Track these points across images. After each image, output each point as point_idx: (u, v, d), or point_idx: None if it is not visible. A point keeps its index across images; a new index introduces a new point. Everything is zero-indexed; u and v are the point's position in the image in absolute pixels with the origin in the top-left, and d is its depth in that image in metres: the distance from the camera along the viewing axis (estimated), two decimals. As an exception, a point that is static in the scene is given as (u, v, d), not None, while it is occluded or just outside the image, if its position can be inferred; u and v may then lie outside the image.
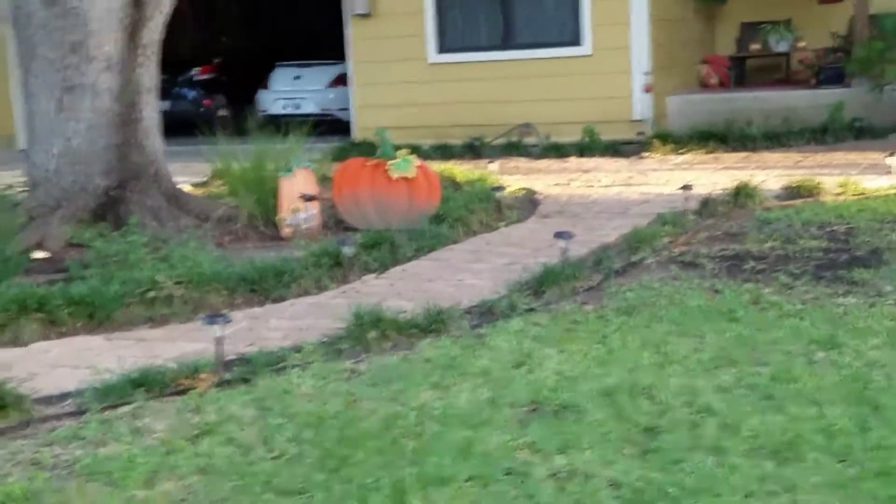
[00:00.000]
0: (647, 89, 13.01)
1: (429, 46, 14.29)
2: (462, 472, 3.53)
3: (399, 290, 6.33)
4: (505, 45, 13.96)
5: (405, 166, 8.30)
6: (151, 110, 8.48)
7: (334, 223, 8.38)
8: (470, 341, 5.14)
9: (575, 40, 13.48)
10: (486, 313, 5.68)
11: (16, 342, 5.56)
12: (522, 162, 12.07)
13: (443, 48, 14.25)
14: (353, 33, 14.66)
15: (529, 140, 13.28)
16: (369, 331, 5.26)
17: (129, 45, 8.23)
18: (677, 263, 6.53)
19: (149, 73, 8.43)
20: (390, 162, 8.30)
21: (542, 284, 6.06)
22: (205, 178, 10.32)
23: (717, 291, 5.76)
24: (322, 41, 17.10)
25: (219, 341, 4.91)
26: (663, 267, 6.49)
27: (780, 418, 3.80)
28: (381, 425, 4.03)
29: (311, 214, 8.14)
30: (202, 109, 17.48)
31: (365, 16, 14.43)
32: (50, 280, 6.62)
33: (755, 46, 14.48)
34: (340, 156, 11.97)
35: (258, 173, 8.26)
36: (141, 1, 8.21)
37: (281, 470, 3.69)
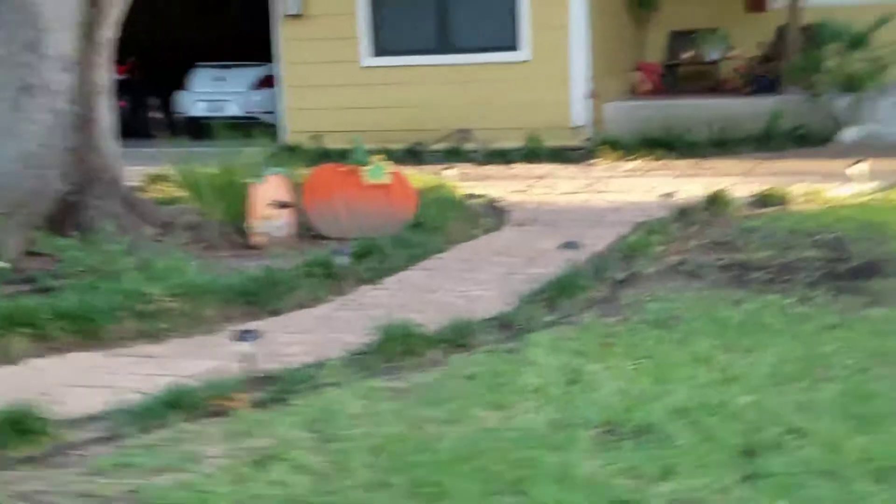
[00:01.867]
0: (591, 95, 12.99)
1: (362, 49, 13.99)
2: (575, 501, 3.32)
3: (402, 301, 6.07)
4: (441, 48, 13.74)
5: (378, 173, 8.05)
6: (107, 111, 8.03)
7: (304, 231, 8.06)
8: (505, 356, 4.94)
9: (513, 45, 13.37)
10: (505, 326, 5.49)
11: (4, 359, 5.12)
12: (470, 168, 11.88)
13: (377, 51, 13.97)
14: (284, 34, 14.27)
15: (469, 146, 13.13)
16: (397, 346, 5.01)
17: (85, 43, 7.77)
18: (680, 273, 6.45)
19: (104, 73, 7.99)
20: (363, 168, 8.04)
21: (555, 296, 5.90)
22: (140, 183, 9.83)
23: (737, 302, 5.67)
24: (245, 42, 16.62)
25: (249, 358, 4.60)
26: (667, 276, 6.40)
27: (883, 437, 3.70)
28: (461, 449, 3.79)
29: (284, 222, 7.80)
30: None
31: (296, 16, 14.05)
32: (17, 291, 6.16)
33: (688, 54, 14.63)
34: (273, 161, 11.58)
35: (227, 178, 7.87)
36: (97, -2, 7.76)
37: (376, 500, 3.42)
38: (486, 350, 5.04)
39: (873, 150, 11.19)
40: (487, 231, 8.14)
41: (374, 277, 6.58)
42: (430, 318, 5.45)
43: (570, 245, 6.50)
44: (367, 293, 6.31)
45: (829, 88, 12.26)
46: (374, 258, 6.82)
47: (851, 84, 11.99)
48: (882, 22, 12.01)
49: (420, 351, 5.04)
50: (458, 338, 5.16)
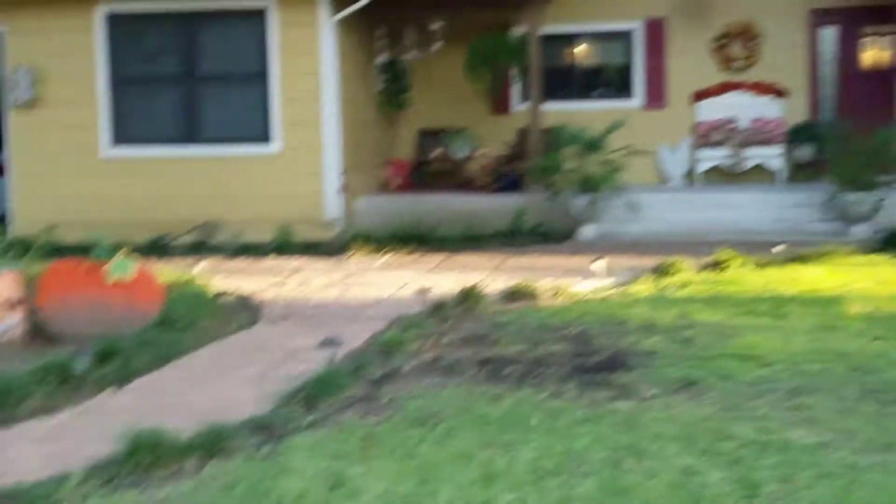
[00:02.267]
0: (343, 189, 13.05)
1: (102, 138, 13.51)
2: None
3: (151, 406, 5.73)
4: (189, 139, 13.47)
5: (123, 269, 7.65)
6: None
7: (39, 331, 7.51)
8: (264, 462, 4.73)
9: (265, 137, 13.28)
10: (262, 429, 5.26)
11: None
12: (219, 262, 11.59)
13: (118, 140, 13.52)
14: (15, 122, 13.56)
15: (217, 239, 12.84)
16: (147, 455, 4.69)
17: None
18: (438, 369, 6.47)
19: None
20: (107, 265, 7.62)
21: (314, 395, 5.74)
22: None
23: (495, 398, 5.73)
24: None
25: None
26: (425, 372, 6.40)
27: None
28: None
29: (15, 322, 7.25)
30: None
31: (29, 103, 13.40)
32: None
33: (437, 152, 15.05)
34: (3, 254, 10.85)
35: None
36: None
37: None
38: (244, 456, 4.81)
39: (609, 247, 11.85)
40: (240, 328, 7.90)
41: (118, 381, 6.19)
42: (182, 424, 5.15)
43: (327, 342, 6.40)
44: (111, 398, 5.92)
45: (567, 188, 12.89)
46: (118, 360, 6.43)
47: (588, 185, 12.66)
48: (614, 127, 12.82)
49: (172, 460, 4.73)
50: (213, 444, 4.89)
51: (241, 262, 11.59)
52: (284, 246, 12.18)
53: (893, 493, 4.19)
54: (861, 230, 12.16)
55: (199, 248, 12.45)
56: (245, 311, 8.58)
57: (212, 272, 10.49)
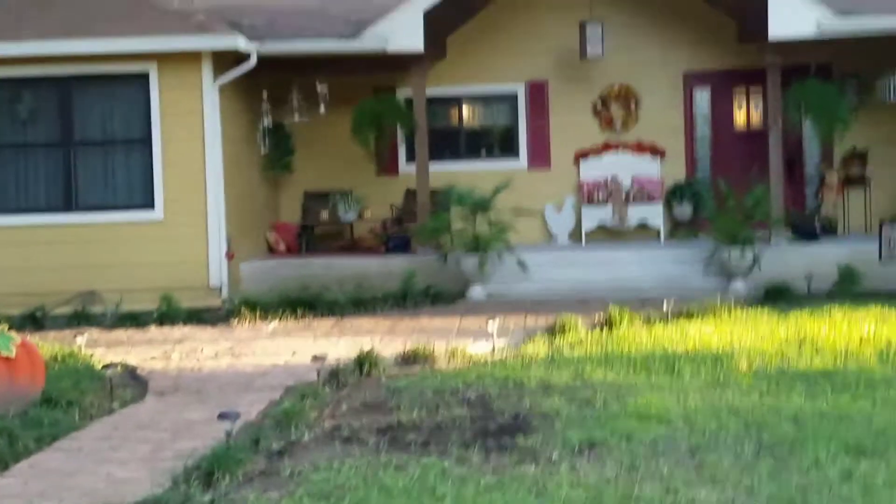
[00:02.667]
0: (229, 256, 12.81)
1: (-27, 206, 12.98)
2: None
3: (39, 490, 5.45)
4: (67, 207, 13.06)
5: (4, 344, 7.31)
6: None
7: None
8: (163, 547, 4.52)
9: (147, 204, 12.97)
10: (160, 511, 5.06)
11: None
12: (100, 333, 11.20)
13: (-8, 209, 13.02)
14: None
15: (97, 309, 12.42)
16: (37, 545, 4.44)
17: None
18: (338, 439, 6.35)
19: None
20: (-15, 339, 7.27)
21: (210, 472, 5.54)
22: None
23: (398, 468, 5.63)
24: None
25: None
26: (325, 443, 6.27)
27: None
28: None
29: None
30: None
31: None
32: None
33: (324, 214, 14.94)
34: None
35: None
36: None
37: None
38: (141, 541, 4.59)
39: (500, 307, 11.89)
40: (127, 403, 7.62)
41: (1, 464, 5.87)
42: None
43: (220, 415, 6.19)
44: (-6, 483, 5.60)
45: (456, 249, 12.94)
46: (1, 441, 6.10)
47: (477, 245, 12.73)
48: (501, 188, 12.96)
49: (64, 548, 4.49)
50: (107, 529, 4.67)
51: (123, 333, 11.23)
52: (169, 315, 11.84)
53: (801, 550, 4.25)
54: (741, 285, 12.52)
55: (79, 320, 12.01)
56: (132, 385, 8.30)
57: (93, 345, 10.11)
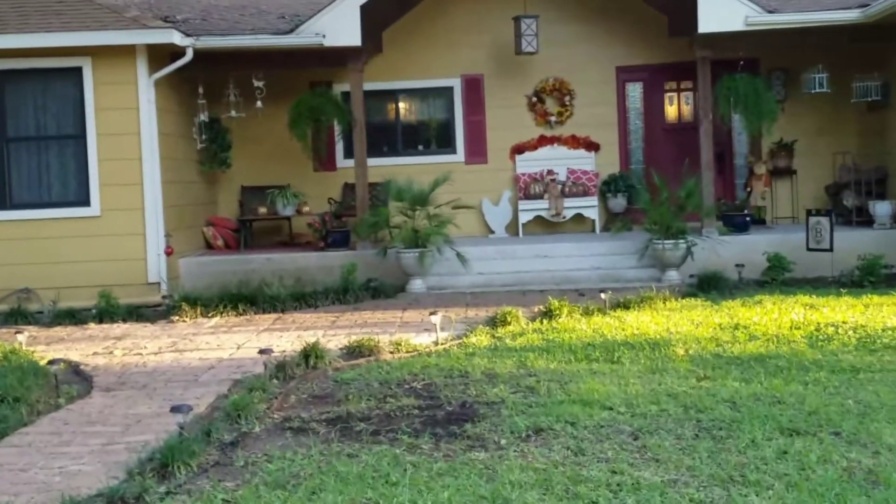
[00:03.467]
0: (168, 252, 12.76)
1: None
2: None
3: (-9, 485, 5.44)
4: (2, 205, 12.93)
5: (-54, 340, 7.26)
6: None
7: None
8: (123, 537, 4.58)
9: (83, 201, 12.89)
10: (117, 502, 5.09)
11: None
12: (39, 331, 11.11)
13: (-78, 208, 12.81)
14: None
15: (34, 306, 12.31)
16: (-4, 538, 4.47)
17: None
18: (288, 430, 6.41)
19: None
20: (-73, 336, 7.21)
21: (164, 464, 5.59)
22: None
23: (351, 456, 5.73)
24: None
25: None
26: (276, 434, 6.33)
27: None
28: None
29: None
30: None
31: None
32: None
33: (262, 209, 14.93)
34: None
35: None
36: None
37: None
38: (100, 532, 4.64)
39: (440, 300, 12.06)
40: (74, 399, 7.59)
41: (-50, 460, 5.86)
42: (30, 502, 4.94)
43: (173, 408, 6.23)
44: (-56, 480, 5.58)
45: (396, 243, 13.04)
46: (-51, 438, 6.08)
47: (416, 239, 12.85)
48: (439, 182, 13.09)
49: (22, 541, 4.52)
50: (65, 521, 4.70)
51: (63, 330, 11.14)
52: (108, 311, 11.77)
53: (742, 523, 4.45)
54: (675, 275, 12.82)
55: (16, 318, 11.90)
56: (78, 381, 8.26)
57: (34, 342, 10.04)
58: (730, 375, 7.45)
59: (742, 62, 13.91)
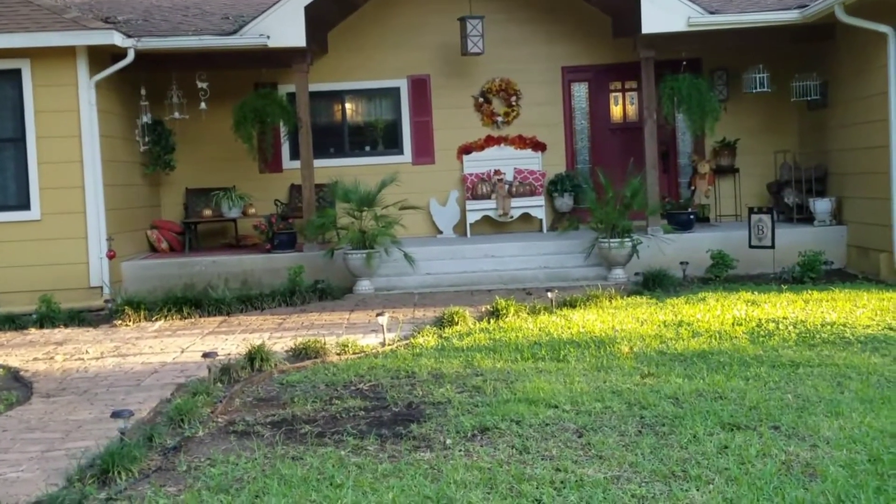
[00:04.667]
0: (110, 255, 12.60)
1: None
2: None
3: (-74, 494, 5.33)
4: (-67, 208, 12.68)
5: None
6: None
7: None
8: (61, 545, 4.51)
9: (23, 204, 12.68)
10: (55, 510, 5.02)
11: None
12: (-22, 336, 10.93)
13: None
14: None
15: (-28, 312, 12.08)
16: (-70, 549, 4.37)
17: None
18: (232, 434, 6.36)
19: None
20: None
21: (105, 470, 5.52)
22: None
23: (296, 458, 5.70)
24: None
25: None
26: (220, 438, 6.28)
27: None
28: None
29: None
30: None
31: None
32: None
33: (207, 212, 14.79)
34: None
35: None
36: None
37: None
38: (39, 539, 4.57)
39: (387, 301, 12.04)
40: (13, 405, 7.47)
41: None
42: (-38, 511, 4.86)
43: (113, 414, 6.15)
44: None
45: (343, 244, 13.00)
46: None
47: (363, 240, 12.82)
48: (386, 183, 13.07)
49: (-42, 551, 4.44)
50: (2, 530, 4.62)
51: (3, 335, 10.95)
52: (49, 316, 11.57)
53: (683, 518, 4.49)
54: (621, 273, 12.92)
55: (-50, 324, 11.68)
56: (15, 388, 8.12)
57: (-28, 348, 9.88)
58: (673, 372, 7.52)
59: (685, 62, 14.06)
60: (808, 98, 14.36)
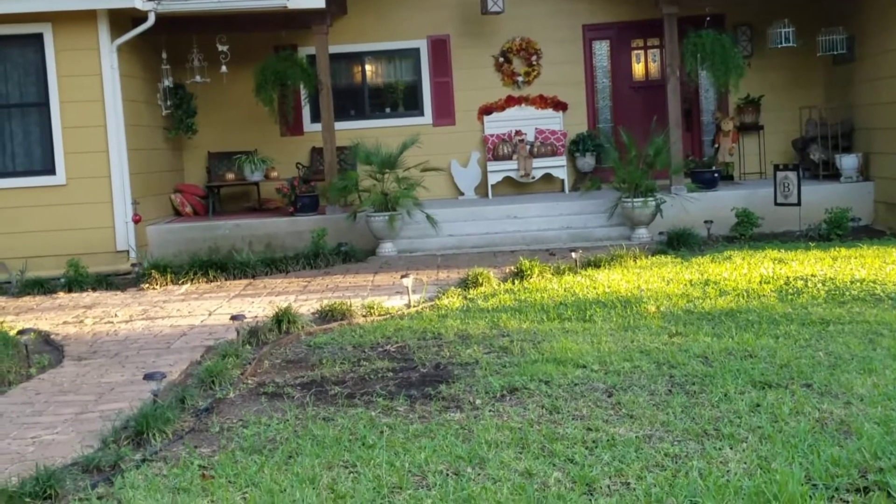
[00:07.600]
0: (136, 219, 12.65)
1: None
2: None
3: (-36, 457, 5.40)
4: (-38, 174, 12.74)
5: (-88, 313, 7.17)
6: None
7: None
8: (100, 503, 4.56)
9: (48, 169, 12.73)
10: (93, 470, 5.08)
11: None
12: (7, 301, 11.02)
13: None
14: None
15: (1, 276, 12.17)
16: (-29, 510, 4.44)
17: None
18: (263, 395, 6.41)
19: None
20: None
21: (139, 431, 5.57)
22: None
23: (327, 419, 5.73)
24: None
25: None
26: (250, 400, 6.32)
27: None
28: None
29: None
30: None
31: None
32: None
33: (230, 175, 14.81)
34: None
35: None
36: None
37: None
38: (79, 498, 4.63)
39: (411, 263, 12.05)
40: (45, 369, 7.54)
41: (-79, 433, 5.80)
42: (5, 471, 4.91)
43: (146, 376, 6.20)
44: (-84, 452, 5.53)
45: (365, 207, 13.00)
46: (-80, 411, 6.02)
47: (386, 202, 12.81)
48: (408, 145, 13.03)
49: (-1, 511, 4.50)
50: (41, 490, 4.67)
51: (31, 300, 11.03)
52: (77, 280, 11.65)
53: (716, 478, 4.48)
54: (644, 233, 12.87)
55: (-18, 289, 11.78)
56: (47, 351, 8.20)
57: (2, 312, 9.94)
58: (701, 331, 7.50)
59: (708, 18, 13.91)
60: (835, 52, 14.19)
